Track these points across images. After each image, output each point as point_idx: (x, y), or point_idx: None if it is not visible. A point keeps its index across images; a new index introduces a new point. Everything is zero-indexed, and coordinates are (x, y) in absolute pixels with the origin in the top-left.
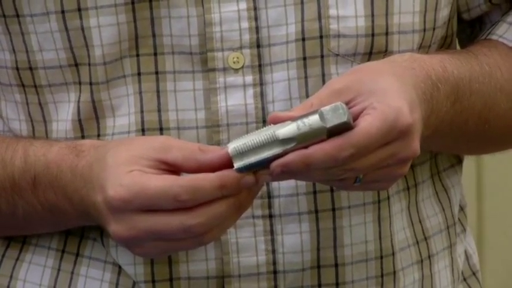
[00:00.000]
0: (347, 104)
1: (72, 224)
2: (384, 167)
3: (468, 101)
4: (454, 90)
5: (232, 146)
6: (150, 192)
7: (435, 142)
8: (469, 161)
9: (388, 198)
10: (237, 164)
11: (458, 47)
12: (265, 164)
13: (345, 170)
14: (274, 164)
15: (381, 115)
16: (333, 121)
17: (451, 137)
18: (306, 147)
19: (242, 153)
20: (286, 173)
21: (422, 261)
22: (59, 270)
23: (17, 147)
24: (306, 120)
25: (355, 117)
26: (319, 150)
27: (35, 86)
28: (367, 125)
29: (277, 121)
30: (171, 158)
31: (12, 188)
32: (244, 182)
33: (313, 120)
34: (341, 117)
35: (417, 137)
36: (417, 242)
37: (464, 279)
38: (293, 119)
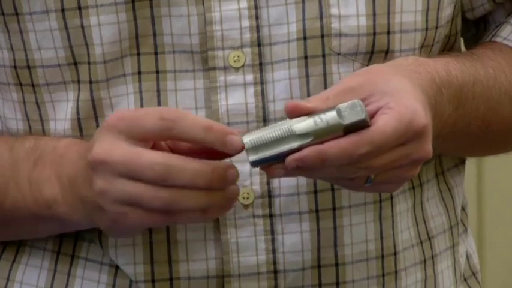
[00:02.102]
0: (362, 101)
1: (54, 216)
2: (396, 167)
3: (471, 105)
4: (457, 95)
5: (248, 139)
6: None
7: (438, 145)
8: (469, 161)
9: (391, 198)
10: (251, 158)
11: (462, 45)
12: (279, 158)
13: (359, 168)
14: (290, 158)
15: (398, 115)
16: (350, 118)
17: (453, 140)
18: (321, 143)
19: (257, 146)
20: (301, 168)
21: (425, 261)
22: (55, 271)
23: (28, 136)
24: (323, 116)
25: (370, 117)
26: (335, 145)
27: (33, 85)
28: (384, 123)
29: (295, 110)
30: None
31: (12, 169)
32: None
33: (331, 116)
34: (358, 115)
35: (430, 139)
36: (421, 242)
37: (465, 280)
38: (310, 113)
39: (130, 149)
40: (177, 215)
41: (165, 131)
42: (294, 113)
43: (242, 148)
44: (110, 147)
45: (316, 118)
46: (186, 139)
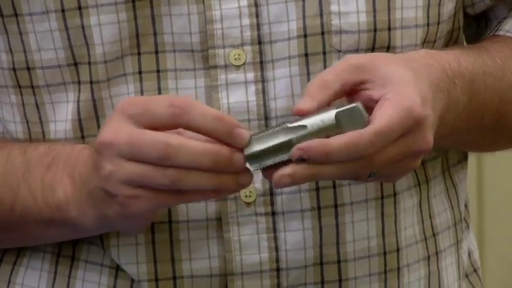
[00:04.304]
0: (362, 83)
1: (65, 219)
2: (399, 160)
3: (484, 96)
4: (470, 86)
5: (248, 152)
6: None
7: (453, 139)
8: (469, 158)
9: (395, 194)
10: (253, 167)
11: (464, 42)
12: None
13: (364, 166)
14: (295, 148)
15: (397, 105)
16: (349, 129)
17: (468, 133)
18: None
19: (257, 155)
20: (305, 159)
21: (429, 257)
22: (55, 274)
23: (42, 142)
24: (322, 126)
25: (369, 103)
26: (338, 138)
27: (32, 87)
28: (383, 115)
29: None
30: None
31: (24, 173)
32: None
33: (330, 126)
34: (358, 124)
35: (431, 131)
36: (425, 239)
37: (466, 276)
38: (309, 115)
39: (135, 130)
40: (188, 195)
41: (174, 118)
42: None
43: (247, 143)
44: (117, 129)
45: (316, 128)
46: (194, 127)
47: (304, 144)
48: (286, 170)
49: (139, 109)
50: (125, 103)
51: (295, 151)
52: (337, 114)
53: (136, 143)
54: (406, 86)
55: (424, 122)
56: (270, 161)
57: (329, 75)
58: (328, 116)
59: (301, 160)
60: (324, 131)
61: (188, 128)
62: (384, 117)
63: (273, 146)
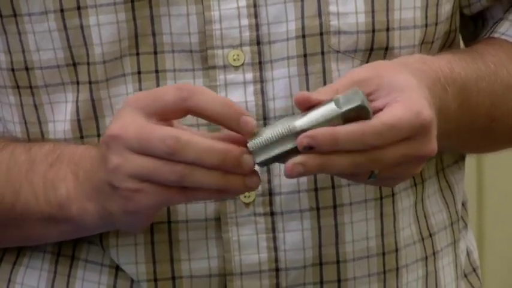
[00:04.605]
0: (368, 95)
1: (66, 217)
2: (401, 163)
3: (476, 101)
4: (461, 92)
5: (252, 142)
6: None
7: (443, 143)
8: (469, 158)
9: (393, 195)
10: (258, 159)
11: (461, 42)
12: (285, 157)
13: (371, 161)
14: (302, 136)
15: (406, 106)
16: (347, 105)
17: (458, 137)
18: None
19: (261, 147)
20: (312, 147)
21: (427, 257)
22: (55, 273)
23: (47, 142)
24: (322, 107)
25: (375, 112)
26: (345, 126)
27: (31, 87)
28: (392, 111)
29: (305, 101)
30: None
31: (27, 170)
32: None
33: (329, 105)
34: (356, 101)
35: (435, 136)
36: (422, 239)
37: (465, 276)
38: (311, 111)
39: (145, 124)
40: (192, 192)
41: (183, 101)
42: (304, 105)
43: (254, 130)
44: (126, 123)
45: (316, 111)
46: (202, 112)
47: (311, 132)
48: (298, 158)
49: (147, 99)
50: (132, 97)
51: (302, 139)
52: (337, 98)
53: (146, 137)
54: (412, 91)
55: (430, 127)
56: (278, 160)
57: (338, 86)
58: (336, 116)
59: (309, 148)
60: (326, 120)
61: (196, 111)
62: (391, 114)
63: (281, 153)
